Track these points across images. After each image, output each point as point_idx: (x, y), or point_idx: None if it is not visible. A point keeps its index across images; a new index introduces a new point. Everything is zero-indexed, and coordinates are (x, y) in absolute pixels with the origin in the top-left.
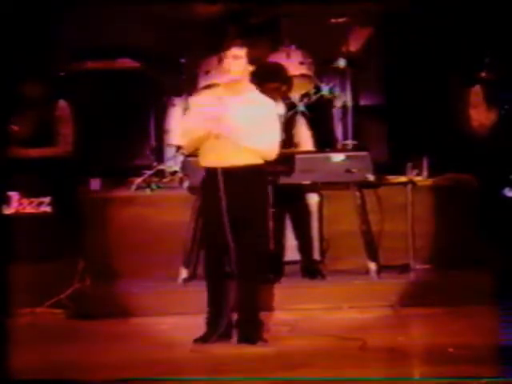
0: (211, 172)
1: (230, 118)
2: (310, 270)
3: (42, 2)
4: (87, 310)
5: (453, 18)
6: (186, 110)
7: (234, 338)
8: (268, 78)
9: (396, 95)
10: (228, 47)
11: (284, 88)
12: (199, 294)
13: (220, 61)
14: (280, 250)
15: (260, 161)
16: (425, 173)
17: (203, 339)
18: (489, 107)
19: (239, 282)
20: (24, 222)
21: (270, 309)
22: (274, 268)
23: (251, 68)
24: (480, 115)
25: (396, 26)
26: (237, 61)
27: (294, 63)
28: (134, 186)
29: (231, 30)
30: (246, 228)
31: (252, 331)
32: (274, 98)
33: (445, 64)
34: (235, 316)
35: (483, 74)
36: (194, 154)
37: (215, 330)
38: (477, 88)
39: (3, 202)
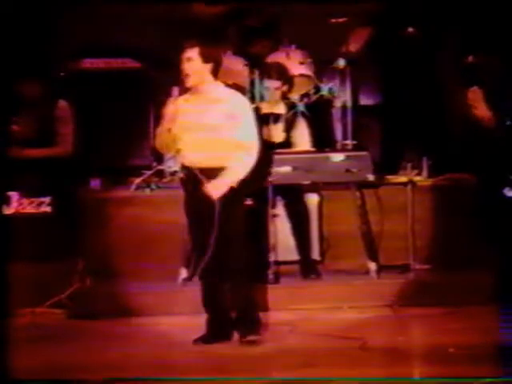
0: (189, 171)
1: (193, 121)
2: (308, 269)
3: (42, 2)
4: (87, 309)
5: (452, 18)
6: None
7: (234, 339)
8: (268, 78)
9: (396, 95)
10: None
11: (284, 88)
12: (199, 294)
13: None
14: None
15: None
16: (425, 173)
17: (203, 339)
18: (488, 107)
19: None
20: (24, 221)
21: (270, 309)
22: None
23: (210, 65)
24: (482, 115)
25: (396, 26)
26: (189, 63)
27: (293, 63)
28: (133, 186)
29: (231, 30)
30: (219, 228)
31: (245, 330)
32: (275, 98)
33: (444, 64)
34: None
35: (482, 75)
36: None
37: (215, 330)
38: (475, 89)
39: (3, 202)
